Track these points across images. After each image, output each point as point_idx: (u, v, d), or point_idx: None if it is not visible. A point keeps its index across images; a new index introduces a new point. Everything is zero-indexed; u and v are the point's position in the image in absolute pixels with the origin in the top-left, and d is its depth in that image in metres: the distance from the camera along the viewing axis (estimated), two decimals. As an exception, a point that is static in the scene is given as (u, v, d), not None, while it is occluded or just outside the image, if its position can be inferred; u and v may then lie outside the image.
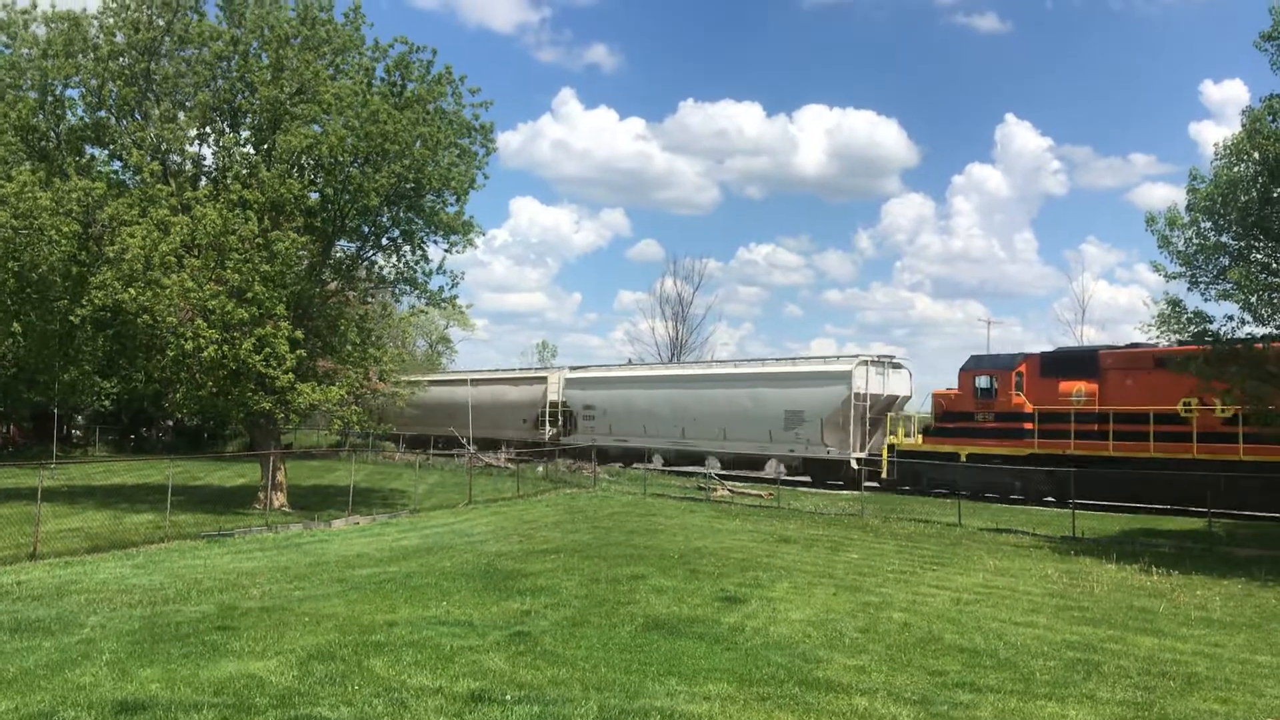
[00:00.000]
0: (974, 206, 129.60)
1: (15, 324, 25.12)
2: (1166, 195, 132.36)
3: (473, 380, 53.98)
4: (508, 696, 8.62)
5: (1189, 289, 20.47)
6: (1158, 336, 21.66)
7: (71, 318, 24.15)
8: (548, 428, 47.44)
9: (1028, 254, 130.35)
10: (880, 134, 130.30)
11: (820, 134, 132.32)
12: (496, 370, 58.31)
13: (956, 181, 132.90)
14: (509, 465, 39.82)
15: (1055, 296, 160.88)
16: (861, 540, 21.26)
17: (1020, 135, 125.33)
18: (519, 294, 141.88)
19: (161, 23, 25.15)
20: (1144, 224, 20.79)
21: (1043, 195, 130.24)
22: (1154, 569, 17.40)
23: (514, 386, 51.72)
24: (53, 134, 25.81)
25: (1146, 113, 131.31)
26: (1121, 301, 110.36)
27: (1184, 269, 20.23)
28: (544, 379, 49.48)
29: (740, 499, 30.63)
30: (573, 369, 50.66)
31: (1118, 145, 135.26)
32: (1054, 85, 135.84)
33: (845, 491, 33.33)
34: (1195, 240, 20.00)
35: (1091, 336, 59.21)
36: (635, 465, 41.47)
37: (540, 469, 38.81)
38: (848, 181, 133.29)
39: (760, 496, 30.72)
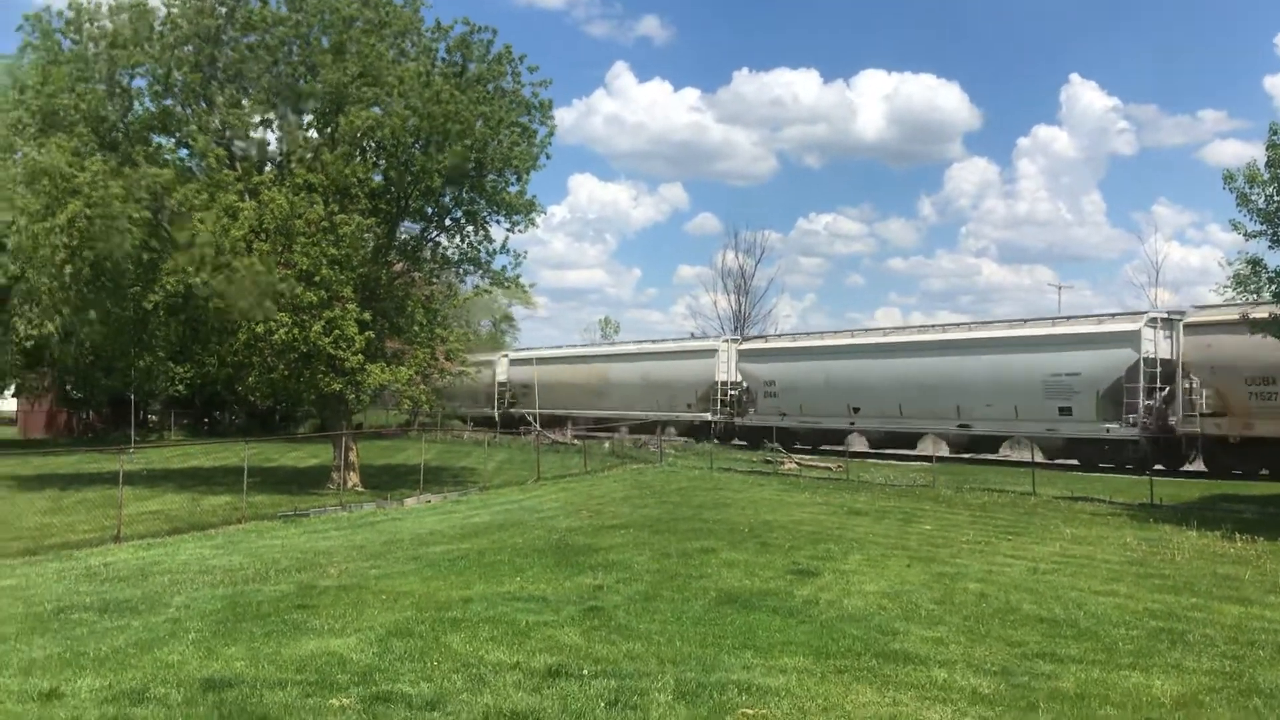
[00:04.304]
0: (1039, 169, 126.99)
1: (91, 312, 25.70)
2: (1239, 152, 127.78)
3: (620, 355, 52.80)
4: (585, 671, 8.65)
5: (1270, 247, 19.86)
6: (1235, 298, 21.05)
7: (145, 304, 24.67)
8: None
9: (1096, 216, 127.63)
10: (941, 98, 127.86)
11: (879, 99, 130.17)
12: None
13: (1021, 144, 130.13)
14: (575, 442, 40.05)
15: (1126, 259, 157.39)
16: (934, 511, 21.04)
17: (1085, 95, 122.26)
18: (579, 270, 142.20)
19: (224, 10, 25.46)
20: (1221, 181, 20.16)
21: (1110, 156, 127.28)
22: (1237, 536, 16.95)
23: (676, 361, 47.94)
24: (120, 124, 26.27)
25: (1216, 68, 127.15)
26: (1193, 262, 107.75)
27: (1264, 227, 19.63)
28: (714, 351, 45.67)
29: (808, 472, 30.48)
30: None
31: (1186, 102, 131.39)
32: (1118, 43, 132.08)
33: (916, 463, 33.07)
34: (1277, 197, 19.39)
35: (1165, 300, 57.85)
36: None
37: (606, 445, 38.94)
38: (909, 147, 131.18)
39: (829, 469, 30.54)
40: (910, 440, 37.62)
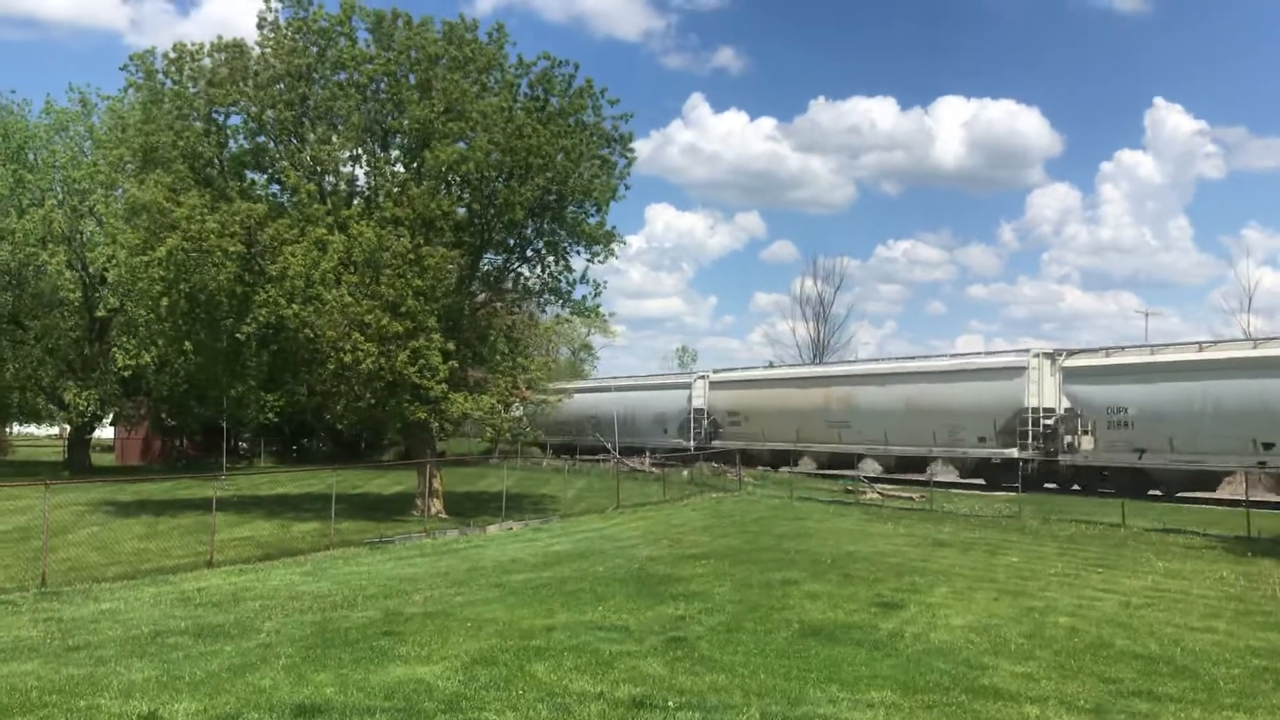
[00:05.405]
0: (1123, 194, 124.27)
1: (186, 343, 26.48)
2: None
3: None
4: (669, 702, 8.64)
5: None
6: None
7: (238, 335, 25.30)
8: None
9: (1183, 241, 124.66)
10: (1021, 123, 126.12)
11: (957, 126, 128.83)
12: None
13: (1105, 169, 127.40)
14: (653, 470, 40.01)
15: (1214, 285, 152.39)
16: (1020, 543, 20.65)
17: (1171, 119, 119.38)
18: (656, 299, 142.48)
19: (315, 49, 26.19)
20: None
21: (1197, 179, 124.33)
22: (1341, 572, 16.39)
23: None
24: (216, 161, 27.09)
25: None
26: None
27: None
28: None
29: (891, 502, 30.10)
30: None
31: (1276, 124, 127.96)
32: (1203, 65, 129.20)
33: (1000, 493, 32.44)
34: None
35: (1257, 327, 55.93)
36: None
37: (685, 473, 38.86)
38: (988, 173, 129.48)
39: (911, 499, 30.14)
40: None
